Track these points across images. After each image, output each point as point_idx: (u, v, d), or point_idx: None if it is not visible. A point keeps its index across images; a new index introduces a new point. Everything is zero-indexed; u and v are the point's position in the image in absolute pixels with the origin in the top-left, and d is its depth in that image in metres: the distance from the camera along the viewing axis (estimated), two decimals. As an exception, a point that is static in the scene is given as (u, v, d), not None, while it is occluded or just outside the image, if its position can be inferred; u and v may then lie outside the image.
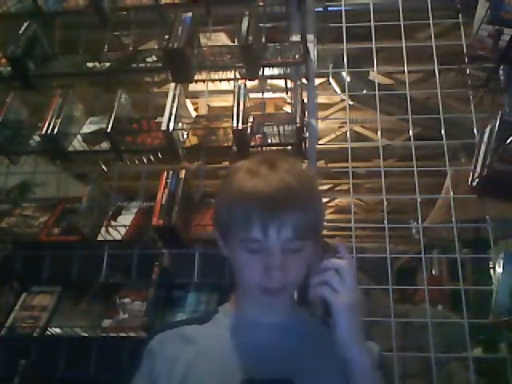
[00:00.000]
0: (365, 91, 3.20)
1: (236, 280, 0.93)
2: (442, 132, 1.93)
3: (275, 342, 0.89)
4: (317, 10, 2.18)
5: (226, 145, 1.83)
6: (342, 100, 4.28)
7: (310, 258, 0.90)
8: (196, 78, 1.96)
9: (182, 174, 1.76)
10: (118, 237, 1.78)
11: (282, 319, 0.93)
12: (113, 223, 1.81)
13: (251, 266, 0.85)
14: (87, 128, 1.97)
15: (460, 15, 2.06)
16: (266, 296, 0.87)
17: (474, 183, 1.71)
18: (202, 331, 0.94)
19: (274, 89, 3.33)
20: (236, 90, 1.83)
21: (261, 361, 0.85)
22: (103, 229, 1.79)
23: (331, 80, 3.46)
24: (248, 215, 0.82)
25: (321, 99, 4.14)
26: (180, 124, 1.84)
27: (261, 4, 2.04)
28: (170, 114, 1.80)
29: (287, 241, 0.83)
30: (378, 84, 2.21)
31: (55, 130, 1.84)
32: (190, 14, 1.92)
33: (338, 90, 3.51)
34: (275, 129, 1.82)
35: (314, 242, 0.89)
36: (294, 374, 0.83)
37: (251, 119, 1.87)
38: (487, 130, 1.71)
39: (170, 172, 1.76)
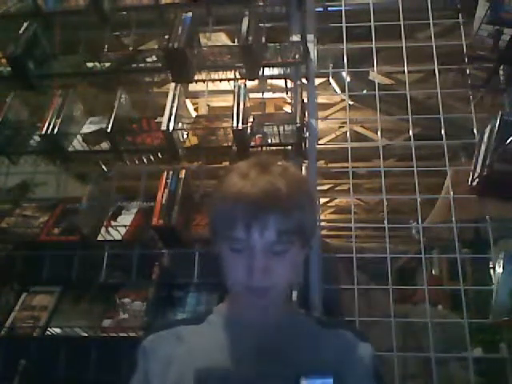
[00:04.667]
0: (365, 91, 3.20)
1: (225, 280, 0.93)
2: (442, 132, 1.93)
3: (267, 342, 0.89)
4: (317, 10, 2.18)
5: (225, 145, 1.83)
6: (342, 100, 4.28)
7: (297, 261, 0.90)
8: (196, 78, 1.96)
9: (182, 174, 1.77)
10: (118, 237, 1.78)
11: (273, 319, 0.93)
12: (113, 223, 1.81)
13: (235, 266, 0.86)
14: (87, 128, 1.97)
15: (460, 15, 2.06)
16: (251, 296, 0.87)
17: (474, 183, 1.71)
18: (196, 331, 0.95)
19: (274, 89, 3.32)
20: (236, 90, 1.83)
21: (253, 361, 0.85)
22: (103, 229, 1.79)
23: (331, 80, 3.47)
24: (233, 215, 0.84)
25: (321, 99, 4.14)
26: (180, 124, 1.84)
27: (261, 4, 2.04)
28: (170, 114, 1.80)
29: (270, 243, 0.84)
30: (378, 84, 2.22)
31: (55, 130, 1.84)
32: (190, 14, 1.92)
33: (338, 90, 3.51)
34: (275, 129, 1.81)
35: (303, 245, 0.90)
36: (284, 375, 0.84)
37: (251, 119, 1.87)
38: (487, 130, 1.71)
39: (170, 172, 1.76)
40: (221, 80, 2.04)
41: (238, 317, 0.93)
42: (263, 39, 1.98)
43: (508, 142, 1.60)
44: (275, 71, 2.00)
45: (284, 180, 0.86)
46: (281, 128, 1.80)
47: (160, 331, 0.97)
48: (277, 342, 0.89)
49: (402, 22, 2.04)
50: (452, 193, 1.87)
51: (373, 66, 2.09)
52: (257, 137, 1.84)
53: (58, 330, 1.66)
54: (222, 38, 2.81)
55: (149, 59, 1.98)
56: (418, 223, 1.90)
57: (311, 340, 0.92)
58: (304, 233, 0.88)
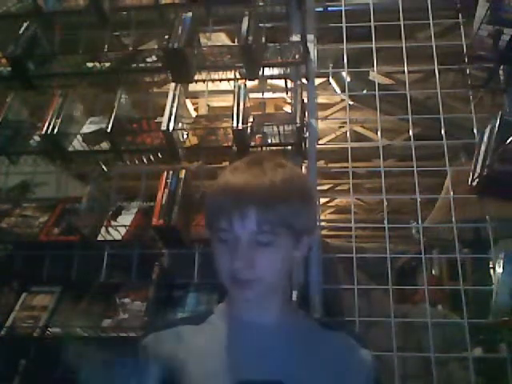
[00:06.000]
0: (365, 91, 3.20)
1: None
2: (442, 132, 1.93)
3: (267, 342, 0.89)
4: (317, 10, 2.18)
5: (225, 145, 1.83)
6: (342, 100, 4.28)
7: (287, 256, 0.89)
8: (196, 78, 1.96)
9: (182, 174, 1.77)
10: (118, 237, 1.78)
11: (273, 319, 0.92)
12: (113, 223, 1.81)
13: (221, 256, 0.87)
14: (87, 128, 1.97)
15: (460, 15, 2.06)
16: (237, 289, 0.87)
17: (474, 183, 1.71)
18: (197, 332, 0.94)
19: (274, 89, 3.32)
20: (236, 90, 1.83)
21: (252, 362, 0.85)
22: (103, 229, 1.79)
23: (331, 80, 3.47)
24: (217, 205, 0.87)
25: (321, 99, 4.14)
26: (180, 124, 1.84)
27: (261, 4, 2.04)
28: (170, 113, 1.80)
29: (253, 233, 0.84)
30: (378, 84, 2.21)
31: (55, 130, 1.84)
32: (190, 14, 1.92)
33: (338, 90, 3.51)
34: (275, 129, 1.81)
35: (295, 241, 0.89)
36: (283, 375, 0.84)
37: (251, 119, 1.87)
38: (487, 130, 1.71)
39: (170, 172, 1.77)
40: (221, 80, 2.04)
41: (238, 317, 0.93)
42: (263, 39, 1.98)
43: (508, 141, 1.60)
44: (275, 71, 2.00)
45: (273, 174, 0.86)
46: (281, 128, 1.80)
47: (160, 331, 0.97)
48: (278, 343, 0.89)
49: (402, 22, 2.04)
50: (452, 193, 1.87)
51: (373, 66, 2.09)
52: (257, 137, 1.84)
53: (57, 330, 1.66)
54: (221, 38, 2.81)
55: (149, 59, 1.98)
56: (418, 223, 1.90)
57: (312, 341, 0.92)
58: (293, 227, 0.87)
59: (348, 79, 2.95)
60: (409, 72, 2.02)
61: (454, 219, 1.79)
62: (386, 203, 1.92)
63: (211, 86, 2.13)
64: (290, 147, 1.82)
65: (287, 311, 0.96)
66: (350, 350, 0.92)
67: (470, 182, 1.74)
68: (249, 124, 1.81)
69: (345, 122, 4.22)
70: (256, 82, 2.02)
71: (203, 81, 2.04)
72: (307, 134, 1.85)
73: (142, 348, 0.95)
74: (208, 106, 2.48)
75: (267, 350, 0.88)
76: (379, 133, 2.13)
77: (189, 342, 0.92)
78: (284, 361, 0.87)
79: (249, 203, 0.83)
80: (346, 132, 2.42)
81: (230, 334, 0.91)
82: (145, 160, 1.92)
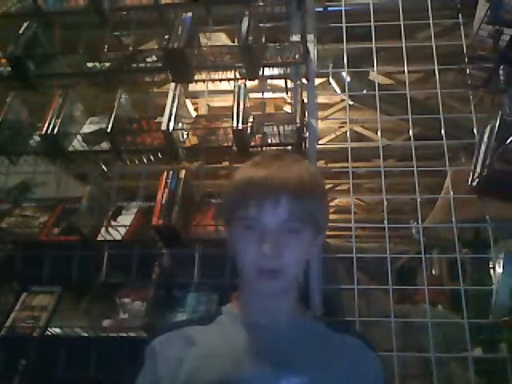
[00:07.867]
0: (365, 91, 3.20)
1: (237, 269, 0.92)
2: (442, 132, 1.93)
3: (278, 343, 0.89)
4: (317, 9, 2.18)
5: (225, 145, 1.83)
6: (342, 100, 4.29)
7: (308, 247, 0.91)
8: (196, 78, 1.96)
9: (182, 174, 1.77)
10: (118, 237, 1.78)
11: (286, 321, 0.92)
12: (113, 223, 1.81)
13: (247, 244, 0.87)
14: (87, 128, 1.97)
15: (460, 15, 2.06)
16: (261, 279, 0.87)
17: (474, 183, 1.71)
18: (206, 332, 0.93)
19: (274, 89, 3.32)
20: (236, 90, 1.83)
21: (263, 362, 0.85)
22: (103, 229, 1.79)
23: (331, 80, 3.47)
24: (246, 194, 0.88)
25: (321, 99, 4.14)
26: (180, 124, 1.84)
27: (261, 4, 2.04)
28: (170, 114, 1.80)
29: (282, 221, 0.86)
30: (378, 84, 2.21)
31: (55, 130, 1.84)
32: (190, 14, 1.93)
33: (338, 90, 3.51)
34: (275, 129, 1.82)
35: (315, 234, 0.91)
36: (293, 376, 0.84)
37: (251, 119, 1.87)
38: (487, 130, 1.71)
39: (170, 172, 1.77)
40: (221, 80, 2.04)
41: (249, 318, 0.92)
42: (263, 39, 1.98)
43: (508, 141, 1.59)
44: (275, 71, 2.00)
45: (298, 168, 0.91)
46: (281, 128, 1.80)
47: (168, 332, 0.96)
48: (289, 344, 0.89)
49: (402, 22, 2.03)
50: (452, 193, 1.87)
51: (373, 66, 2.09)
52: (257, 137, 1.84)
53: (57, 330, 1.66)
54: (221, 38, 2.81)
55: (149, 59, 1.98)
56: (418, 223, 1.90)
57: (323, 343, 0.92)
58: (315, 220, 0.90)
59: (348, 79, 2.96)
60: (409, 72, 2.02)
61: (454, 219, 1.79)
62: (385, 203, 1.92)
63: (211, 86, 2.13)
64: (290, 147, 1.82)
65: (298, 312, 0.96)
66: (360, 353, 0.93)
67: (469, 182, 1.74)
68: (249, 124, 1.81)
69: (345, 122, 4.22)
70: (256, 82, 2.02)
71: (203, 81, 2.04)
72: (307, 134, 1.84)
73: (150, 351, 0.94)
74: (208, 105, 2.47)
75: (278, 350, 0.87)
76: (379, 133, 2.12)
77: (198, 343, 0.91)
78: (295, 362, 0.86)
79: (280, 192, 0.86)
80: (346, 132, 2.41)
81: (239, 334, 0.90)
82: (145, 160, 1.92)
